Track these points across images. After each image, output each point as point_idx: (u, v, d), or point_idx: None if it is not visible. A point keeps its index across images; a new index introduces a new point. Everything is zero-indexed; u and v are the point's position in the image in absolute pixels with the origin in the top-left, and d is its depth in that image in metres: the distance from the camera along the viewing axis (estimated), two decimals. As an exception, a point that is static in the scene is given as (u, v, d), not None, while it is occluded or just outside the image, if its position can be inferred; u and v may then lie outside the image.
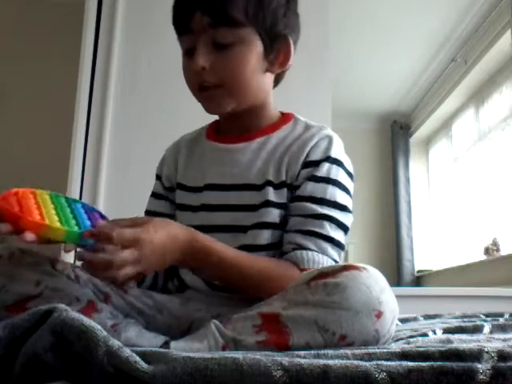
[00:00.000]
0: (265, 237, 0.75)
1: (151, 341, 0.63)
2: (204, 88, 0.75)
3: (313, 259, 0.71)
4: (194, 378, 0.36)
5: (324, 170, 0.76)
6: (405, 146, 4.58)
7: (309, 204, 0.74)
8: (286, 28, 0.78)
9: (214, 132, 0.87)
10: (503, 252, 3.14)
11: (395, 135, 4.58)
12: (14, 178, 2.74)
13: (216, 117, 0.88)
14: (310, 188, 0.74)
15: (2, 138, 2.79)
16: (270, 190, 0.77)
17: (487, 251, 3.25)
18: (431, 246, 4.36)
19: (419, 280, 4.29)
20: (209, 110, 0.80)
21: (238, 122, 0.82)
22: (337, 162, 0.77)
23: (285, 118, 0.84)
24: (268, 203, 0.76)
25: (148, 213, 0.88)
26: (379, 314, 0.55)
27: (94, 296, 0.71)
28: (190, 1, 0.73)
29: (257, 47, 0.75)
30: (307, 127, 0.81)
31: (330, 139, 0.78)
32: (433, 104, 4.10)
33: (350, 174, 0.79)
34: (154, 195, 0.90)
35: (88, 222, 0.64)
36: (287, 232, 0.75)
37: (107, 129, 1.90)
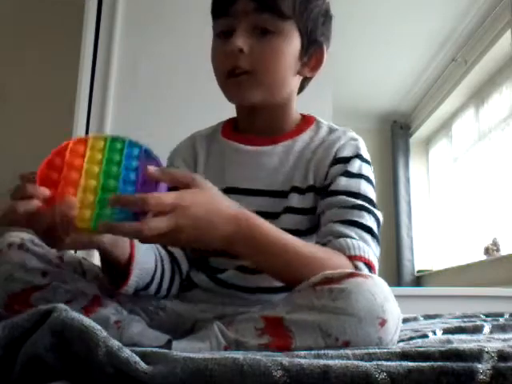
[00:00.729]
0: None
1: (154, 339, 0.63)
2: (234, 74, 0.73)
3: (358, 246, 0.68)
4: (193, 378, 0.36)
5: (356, 166, 0.75)
6: (405, 146, 4.58)
7: (345, 197, 0.72)
8: (323, 36, 0.79)
9: (232, 130, 0.84)
10: (503, 252, 3.14)
11: (395, 135, 4.58)
12: (13, 177, 2.74)
13: (224, 115, 0.85)
14: (344, 182, 0.73)
15: (1, 137, 2.79)
16: (295, 196, 0.75)
17: (487, 251, 3.25)
18: (431, 245, 4.36)
19: (419, 280, 4.29)
20: (234, 99, 0.77)
21: (259, 120, 0.79)
22: (367, 161, 0.77)
23: (307, 120, 0.83)
24: (288, 209, 0.75)
25: None
26: (383, 322, 0.55)
27: (99, 291, 0.70)
28: None
29: (295, 44, 0.75)
30: (331, 130, 0.81)
31: (357, 140, 0.79)
32: (433, 104, 4.10)
33: (371, 166, 0.79)
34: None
35: (131, 186, 0.57)
36: (324, 225, 0.71)
37: (107, 129, 1.90)
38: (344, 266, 0.64)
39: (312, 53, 0.78)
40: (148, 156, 0.61)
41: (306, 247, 0.65)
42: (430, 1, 2.91)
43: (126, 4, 1.99)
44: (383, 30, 3.21)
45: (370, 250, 0.69)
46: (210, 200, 0.58)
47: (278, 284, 0.69)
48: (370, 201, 0.73)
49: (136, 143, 0.62)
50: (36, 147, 3.02)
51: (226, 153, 0.81)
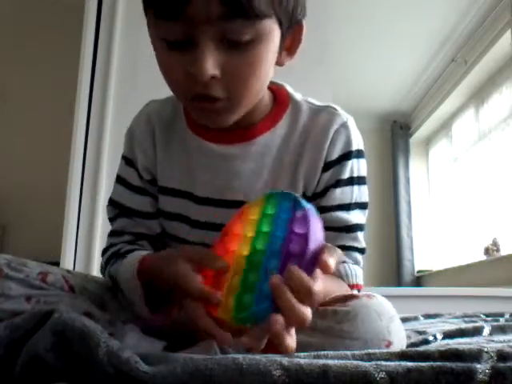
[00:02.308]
0: None
1: (150, 347, 0.62)
2: (200, 98, 0.57)
3: (355, 274, 0.66)
4: (193, 378, 0.36)
5: (348, 169, 0.67)
6: (405, 146, 4.58)
7: (339, 213, 0.66)
8: (302, 10, 0.61)
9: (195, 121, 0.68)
10: (503, 252, 3.14)
11: (395, 135, 4.58)
12: (13, 177, 2.75)
13: None
14: (338, 195, 0.66)
15: (1, 137, 2.79)
16: None
17: (487, 251, 3.25)
18: (431, 246, 4.36)
19: (419, 280, 4.29)
20: (207, 123, 0.63)
21: None
22: (357, 155, 0.68)
23: (280, 101, 0.68)
24: None
25: (116, 205, 0.73)
26: (388, 344, 0.53)
27: (89, 305, 0.64)
28: None
29: (275, 41, 0.58)
30: (313, 114, 0.67)
31: (345, 126, 0.67)
32: (433, 104, 4.10)
33: (364, 155, 0.70)
34: (126, 185, 0.72)
35: (274, 259, 0.47)
36: None
37: (107, 129, 1.90)
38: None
39: (292, 35, 0.61)
40: (299, 208, 0.49)
41: (335, 288, 0.61)
42: (429, 1, 2.91)
43: (126, 4, 1.99)
44: (383, 30, 3.21)
45: (359, 268, 0.68)
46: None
47: None
48: (362, 206, 0.68)
49: (286, 194, 0.52)
50: (36, 147, 3.03)
51: (193, 152, 0.68)
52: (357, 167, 0.68)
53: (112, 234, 0.74)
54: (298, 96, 0.70)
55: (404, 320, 1.10)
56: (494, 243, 3.23)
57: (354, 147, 0.68)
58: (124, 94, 1.94)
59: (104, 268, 0.74)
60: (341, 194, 0.67)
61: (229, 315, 0.46)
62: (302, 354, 0.44)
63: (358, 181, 0.68)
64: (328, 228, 0.59)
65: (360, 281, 0.67)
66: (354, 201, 0.67)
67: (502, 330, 0.82)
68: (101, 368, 0.39)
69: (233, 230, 0.53)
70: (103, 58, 1.95)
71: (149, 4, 0.55)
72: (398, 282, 4.19)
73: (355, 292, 0.66)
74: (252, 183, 0.67)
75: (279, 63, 0.62)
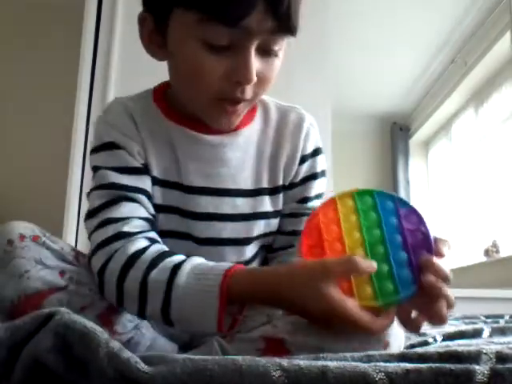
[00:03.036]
0: (258, 247, 0.73)
1: (165, 348, 0.63)
2: (231, 100, 0.60)
3: None
4: (193, 379, 0.36)
5: (320, 163, 0.73)
6: (404, 148, 4.58)
7: (316, 202, 0.72)
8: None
9: (169, 109, 0.69)
10: (503, 254, 3.14)
11: (395, 136, 4.58)
12: (13, 177, 2.75)
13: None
14: (316, 186, 0.73)
15: (1, 137, 2.79)
16: (266, 199, 0.70)
17: (487, 253, 3.25)
18: (431, 247, 4.36)
19: (419, 281, 4.29)
20: (221, 125, 0.65)
21: None
22: (321, 151, 0.74)
23: None
24: (266, 215, 0.70)
25: (115, 186, 0.64)
26: (386, 344, 0.54)
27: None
28: None
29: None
30: (282, 112, 0.72)
31: (313, 125, 0.73)
32: (432, 105, 4.10)
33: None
34: (121, 170, 0.64)
35: (400, 249, 0.53)
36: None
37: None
38: None
39: None
40: (403, 206, 0.56)
41: None
42: (429, 2, 2.91)
43: (126, 4, 1.99)
44: (383, 32, 3.21)
45: None
46: None
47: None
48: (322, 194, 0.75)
49: (384, 193, 0.57)
50: (36, 147, 3.03)
51: (177, 141, 0.67)
52: (324, 163, 0.75)
53: (111, 221, 0.62)
54: (264, 97, 0.72)
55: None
56: (494, 245, 3.23)
57: (320, 143, 0.74)
58: (124, 94, 1.94)
59: (124, 271, 0.59)
60: (317, 186, 0.73)
61: (371, 302, 0.51)
62: (302, 355, 0.44)
63: (325, 173, 0.75)
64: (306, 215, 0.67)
65: None
66: (323, 190, 0.75)
67: (501, 331, 0.82)
68: (101, 369, 0.39)
69: (329, 230, 0.55)
70: (103, 58, 1.96)
71: (199, 5, 0.55)
72: (398, 283, 4.18)
73: None
74: (239, 171, 0.69)
75: None
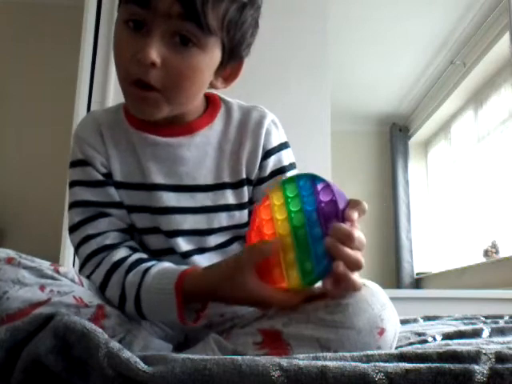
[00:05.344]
0: (227, 238, 0.75)
1: (159, 349, 0.63)
2: (138, 84, 0.63)
3: None
4: (192, 378, 0.36)
5: (286, 157, 0.76)
6: (404, 149, 4.58)
7: None
8: (246, 49, 0.70)
9: (135, 118, 0.73)
10: (502, 254, 3.14)
11: (394, 137, 4.58)
12: (13, 177, 2.74)
13: None
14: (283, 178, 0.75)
15: (1, 137, 2.79)
16: (228, 192, 0.73)
17: (486, 253, 3.25)
18: (430, 248, 4.36)
19: (418, 282, 4.29)
20: (137, 113, 0.68)
21: None
22: (288, 145, 0.78)
23: (213, 102, 0.76)
24: (228, 207, 0.73)
25: (85, 203, 0.71)
26: (381, 331, 0.55)
27: (99, 300, 0.66)
28: None
29: (215, 61, 0.66)
30: (244, 111, 0.75)
31: (275, 122, 0.77)
32: (431, 106, 4.10)
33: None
34: (88, 184, 0.72)
35: (316, 227, 0.57)
36: None
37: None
38: None
39: (230, 67, 0.70)
40: (319, 182, 0.59)
41: None
42: (428, 3, 2.91)
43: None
44: (381, 33, 3.21)
45: None
46: None
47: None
48: None
49: (303, 174, 0.60)
50: (36, 147, 3.02)
51: (139, 145, 0.72)
52: (291, 155, 0.77)
53: (90, 236, 0.70)
54: (228, 98, 0.78)
55: (403, 322, 1.10)
56: (494, 245, 3.23)
57: (284, 138, 0.77)
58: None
59: (108, 275, 0.68)
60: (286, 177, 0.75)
61: (298, 284, 0.56)
62: (301, 355, 0.44)
63: (295, 166, 0.78)
64: None
65: None
66: None
67: (501, 331, 0.82)
68: (101, 369, 0.39)
69: (261, 217, 0.60)
70: (103, 58, 1.96)
71: None
72: (398, 284, 4.18)
73: None
74: (197, 169, 0.73)
75: (214, 86, 0.71)
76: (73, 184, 0.73)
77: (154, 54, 0.60)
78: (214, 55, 0.65)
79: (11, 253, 0.63)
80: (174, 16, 0.60)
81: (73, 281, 0.66)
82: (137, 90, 0.63)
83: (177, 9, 0.60)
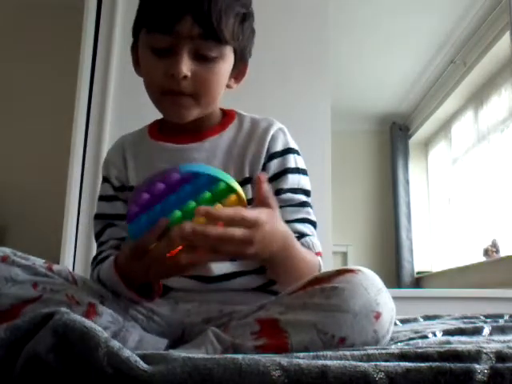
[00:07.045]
0: None
1: (154, 344, 0.64)
2: (171, 93, 0.74)
3: (316, 244, 0.78)
4: (193, 378, 0.36)
5: (291, 161, 0.81)
6: (404, 148, 4.58)
7: (290, 194, 0.79)
8: (249, 52, 0.83)
9: (158, 131, 0.86)
10: (502, 253, 3.14)
11: (394, 137, 4.58)
12: (13, 177, 2.75)
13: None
14: (289, 180, 0.79)
15: (1, 137, 2.79)
16: None
17: (486, 253, 3.26)
18: (430, 247, 4.36)
19: (419, 281, 4.29)
20: (171, 117, 0.80)
21: (187, 123, 0.80)
22: (297, 152, 0.83)
23: (229, 115, 0.86)
24: None
25: (101, 216, 0.85)
26: (378, 315, 0.56)
27: (92, 298, 0.68)
28: (183, 3, 0.71)
29: (230, 64, 0.78)
30: (254, 121, 0.84)
31: (283, 130, 0.83)
32: (432, 106, 4.10)
33: (300, 155, 0.86)
34: (104, 198, 0.86)
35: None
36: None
37: (106, 130, 1.90)
38: (317, 262, 0.75)
39: (239, 68, 0.82)
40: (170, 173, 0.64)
41: (307, 254, 0.73)
42: (428, 3, 2.91)
43: (126, 4, 1.99)
44: (382, 33, 3.21)
45: (318, 240, 0.80)
46: (274, 218, 0.63)
47: (236, 269, 0.76)
48: (307, 193, 0.81)
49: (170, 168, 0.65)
50: (36, 147, 3.02)
51: (155, 153, 0.83)
52: (299, 161, 0.83)
53: (100, 244, 0.83)
54: (244, 113, 0.87)
55: (403, 321, 1.10)
56: (494, 244, 3.23)
57: (293, 145, 0.83)
58: (124, 95, 1.94)
59: (92, 272, 0.80)
60: (291, 180, 0.80)
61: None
62: (301, 354, 0.44)
63: (303, 172, 0.82)
64: (288, 205, 0.78)
65: (320, 249, 0.78)
66: (301, 187, 0.81)
67: (501, 330, 0.82)
68: (100, 368, 0.39)
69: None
70: (103, 59, 1.96)
71: (143, 22, 0.77)
72: (398, 283, 4.19)
73: (319, 258, 0.76)
74: None
75: (228, 85, 0.82)
76: (98, 197, 0.88)
77: (185, 69, 0.72)
78: (230, 60, 0.78)
79: (7, 251, 0.67)
80: (195, 37, 0.71)
81: (66, 279, 0.69)
82: (167, 96, 0.75)
83: (197, 30, 0.71)
